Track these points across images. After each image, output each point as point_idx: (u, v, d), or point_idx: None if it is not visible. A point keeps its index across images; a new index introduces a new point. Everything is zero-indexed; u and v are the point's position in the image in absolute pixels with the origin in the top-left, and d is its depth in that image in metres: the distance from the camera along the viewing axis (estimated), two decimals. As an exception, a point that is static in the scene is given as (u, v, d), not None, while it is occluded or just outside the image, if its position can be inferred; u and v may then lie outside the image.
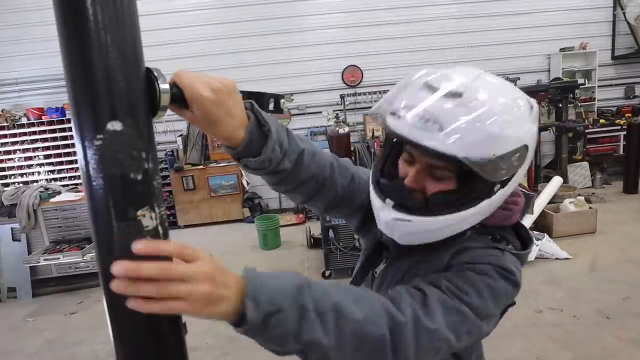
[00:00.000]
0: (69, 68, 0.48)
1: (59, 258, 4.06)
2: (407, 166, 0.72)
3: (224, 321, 0.52)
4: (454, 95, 0.62)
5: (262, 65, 6.13)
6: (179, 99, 0.57)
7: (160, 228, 0.52)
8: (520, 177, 0.70)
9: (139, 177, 0.49)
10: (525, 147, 0.65)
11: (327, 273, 3.82)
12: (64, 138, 5.95)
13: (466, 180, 0.66)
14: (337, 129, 4.89)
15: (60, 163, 6.04)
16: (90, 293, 4.07)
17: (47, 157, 6.00)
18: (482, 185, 0.66)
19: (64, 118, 5.90)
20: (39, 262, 4.04)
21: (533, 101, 0.69)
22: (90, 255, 4.17)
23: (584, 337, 2.61)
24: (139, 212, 0.50)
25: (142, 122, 0.50)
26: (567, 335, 2.63)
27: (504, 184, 0.67)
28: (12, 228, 4.23)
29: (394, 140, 0.76)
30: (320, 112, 6.15)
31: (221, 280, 0.50)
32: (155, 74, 0.53)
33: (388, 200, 0.70)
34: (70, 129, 5.87)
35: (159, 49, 5.44)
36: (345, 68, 6.27)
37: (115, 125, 0.48)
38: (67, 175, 6.05)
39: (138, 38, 0.51)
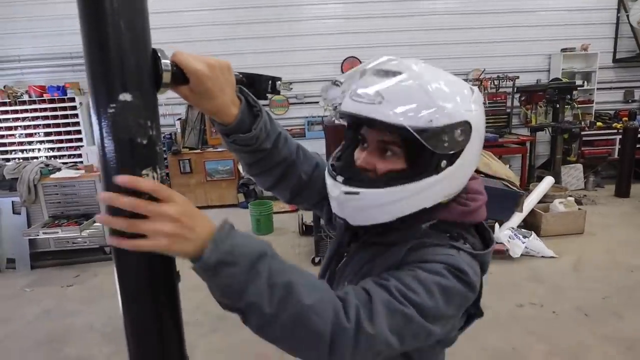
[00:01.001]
0: (88, 47, 0.56)
1: (57, 232, 4.15)
2: (361, 152, 0.76)
3: (186, 259, 0.58)
4: (397, 74, 0.67)
5: (261, 53, 6.16)
6: (179, 77, 0.63)
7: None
8: (471, 161, 0.72)
9: (144, 141, 0.58)
10: (468, 124, 0.68)
11: (317, 260, 3.92)
12: (65, 117, 6.01)
13: (414, 157, 0.69)
14: (333, 119, 4.90)
15: (60, 141, 6.10)
16: (87, 268, 4.18)
17: (47, 134, 6.06)
18: (428, 159, 0.68)
19: (65, 97, 5.94)
20: (38, 235, 4.14)
21: (475, 88, 0.74)
22: (88, 231, 4.27)
23: (560, 331, 2.71)
24: (144, 172, 0.58)
25: (148, 95, 0.58)
26: (545, 330, 2.74)
27: (451, 161, 0.69)
28: (12, 201, 4.32)
29: (348, 126, 0.81)
30: (317, 102, 6.19)
31: (187, 223, 0.55)
32: (160, 54, 0.60)
33: (339, 177, 0.73)
34: (70, 108, 5.95)
35: (156, 32, 5.45)
36: (345, 59, 6.30)
37: (125, 97, 0.55)
38: (67, 153, 6.10)
39: (146, 21, 0.59)
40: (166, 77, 0.60)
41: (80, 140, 6.04)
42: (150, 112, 0.58)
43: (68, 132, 6.04)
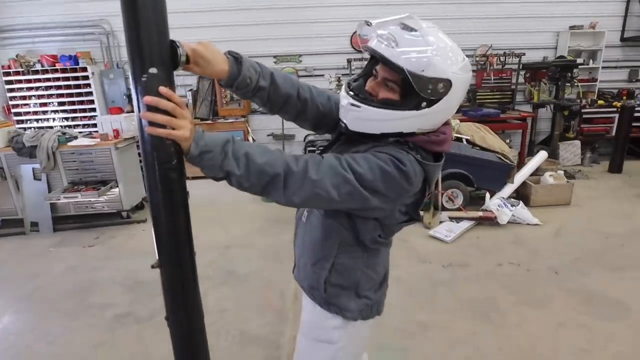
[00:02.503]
0: (129, 36, 0.84)
1: (77, 197, 4.57)
2: (371, 82, 1.05)
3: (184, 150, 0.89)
4: (413, 30, 0.95)
5: (271, 24, 6.38)
6: (186, 59, 0.95)
7: None
8: (445, 110, 0.99)
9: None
10: (449, 82, 0.94)
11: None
12: (77, 86, 6.34)
13: (405, 94, 0.98)
14: (338, 92, 5.24)
15: (74, 111, 6.46)
16: (106, 230, 4.62)
17: (61, 104, 6.42)
18: (414, 98, 0.95)
19: (77, 67, 6.26)
20: (59, 200, 4.56)
21: (466, 58, 1.01)
22: (105, 196, 4.70)
23: (530, 286, 3.14)
24: None
25: (168, 70, 0.88)
26: (517, 284, 3.17)
27: (430, 104, 0.96)
28: (33, 168, 4.70)
29: (372, 59, 1.06)
30: (323, 75, 6.48)
31: (189, 130, 0.87)
32: (177, 43, 0.91)
33: (350, 92, 1.03)
34: (83, 78, 6.28)
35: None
36: (354, 32, 6.48)
37: (153, 70, 0.83)
38: (81, 123, 6.48)
39: (166, 18, 0.88)
40: (182, 59, 0.91)
41: (94, 110, 6.41)
42: (169, 82, 0.87)
43: (81, 102, 6.41)
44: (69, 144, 4.69)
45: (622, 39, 6.85)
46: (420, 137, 1.03)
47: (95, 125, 6.19)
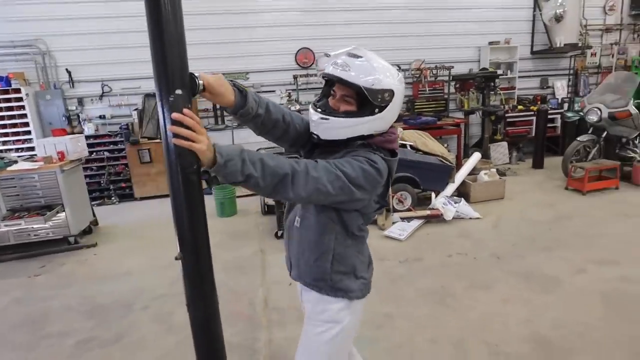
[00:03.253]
0: (156, 63, 1.00)
1: (20, 224, 4.28)
2: (332, 100, 1.31)
3: (206, 166, 1.03)
4: (359, 57, 1.22)
5: (218, 43, 6.45)
6: (204, 89, 1.13)
7: None
8: (392, 114, 1.26)
9: None
10: (392, 91, 1.22)
11: (280, 233, 4.43)
12: (9, 109, 5.93)
13: (361, 105, 1.24)
14: (289, 106, 5.43)
15: (6, 134, 6.01)
16: (52, 258, 4.31)
17: (-6, 127, 5.93)
18: (369, 107, 1.22)
19: (9, 88, 5.86)
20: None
21: (400, 73, 1.29)
22: (51, 222, 4.42)
23: (478, 271, 3.46)
24: None
25: (188, 93, 1.04)
26: (467, 271, 3.47)
27: (380, 110, 1.22)
28: (-34, 197, 4.32)
29: (327, 83, 1.33)
30: (274, 91, 6.63)
31: (208, 146, 1.00)
32: (195, 75, 1.06)
33: (318, 110, 1.28)
34: (16, 100, 5.88)
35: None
36: (299, 50, 6.77)
37: (178, 92, 1.00)
38: (14, 147, 6.02)
39: (185, 47, 1.04)
40: (199, 87, 1.08)
41: (29, 132, 6.00)
42: (189, 101, 1.05)
43: (14, 125, 5.98)
44: (8, 168, 4.41)
45: (532, 52, 7.78)
46: (379, 139, 1.29)
47: (31, 148, 5.82)
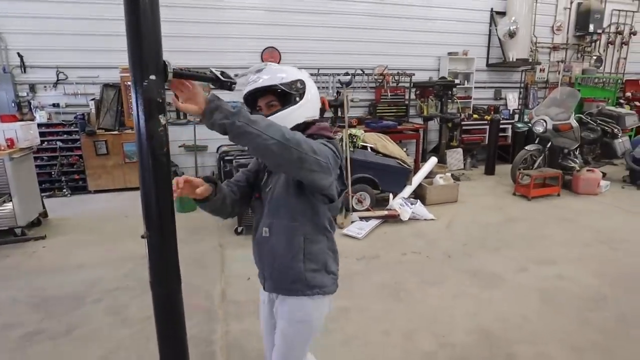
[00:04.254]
0: (132, 48, 1.03)
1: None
2: (262, 111, 1.45)
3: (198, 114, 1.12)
4: (264, 68, 1.44)
5: (182, 37, 6.30)
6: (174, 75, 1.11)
7: (166, 125, 1.10)
8: (313, 100, 1.44)
9: (159, 100, 1.08)
10: (302, 80, 1.42)
11: (240, 229, 4.42)
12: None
13: (284, 100, 1.41)
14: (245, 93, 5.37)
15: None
16: None
17: None
18: (289, 98, 1.40)
19: (-48, 70, 5.48)
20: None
21: (302, 70, 1.48)
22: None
23: (430, 269, 3.63)
24: (159, 116, 1.08)
25: (162, 79, 1.06)
26: (420, 268, 3.63)
27: (300, 97, 1.41)
28: None
29: (250, 104, 1.47)
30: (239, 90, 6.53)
31: (203, 99, 1.12)
32: (167, 62, 1.07)
33: None
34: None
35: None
36: (265, 49, 6.77)
37: (152, 77, 1.03)
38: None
39: (160, 35, 1.06)
40: (169, 76, 1.07)
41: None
42: (162, 87, 1.07)
43: (-43, 109, 5.59)
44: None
45: (488, 65, 8.20)
46: (314, 127, 1.45)
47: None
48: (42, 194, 5.12)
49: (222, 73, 1.21)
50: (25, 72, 5.95)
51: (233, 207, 1.52)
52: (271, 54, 6.79)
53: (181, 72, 1.09)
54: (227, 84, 1.21)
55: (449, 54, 7.70)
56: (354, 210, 4.86)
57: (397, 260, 3.80)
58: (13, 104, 5.87)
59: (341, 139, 4.85)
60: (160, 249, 1.16)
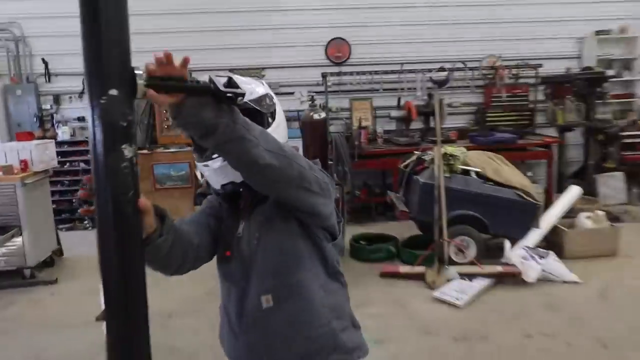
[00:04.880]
0: (88, 56, 0.96)
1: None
2: None
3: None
4: (223, 80, 1.25)
5: (229, 30, 6.50)
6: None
7: (134, 158, 1.01)
8: (283, 120, 1.45)
9: (124, 124, 0.99)
10: (270, 95, 1.41)
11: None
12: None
13: (255, 120, 1.27)
14: (311, 113, 5.24)
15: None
16: (1, 295, 4.39)
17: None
18: (262, 119, 1.37)
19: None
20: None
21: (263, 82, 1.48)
22: (4, 248, 4.44)
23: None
24: (123, 146, 0.98)
25: (127, 94, 0.99)
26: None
27: (272, 117, 1.41)
28: None
29: None
30: (292, 93, 6.58)
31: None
32: (137, 72, 1.01)
33: (212, 158, 1.33)
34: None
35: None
36: (330, 41, 6.69)
37: (113, 92, 0.96)
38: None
39: (128, 42, 1.00)
40: (140, 86, 1.01)
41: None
42: (128, 105, 1.00)
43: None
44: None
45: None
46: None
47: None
48: (60, 227, 5.46)
49: (230, 80, 1.21)
50: (49, 80, 6.56)
51: (184, 257, 1.40)
52: (339, 48, 6.76)
53: (159, 83, 1.04)
54: (229, 97, 1.13)
55: (598, 32, 6.97)
56: (451, 262, 4.47)
57: (518, 345, 3.35)
58: (35, 118, 6.47)
59: (431, 160, 4.52)
60: (123, 338, 1.09)
